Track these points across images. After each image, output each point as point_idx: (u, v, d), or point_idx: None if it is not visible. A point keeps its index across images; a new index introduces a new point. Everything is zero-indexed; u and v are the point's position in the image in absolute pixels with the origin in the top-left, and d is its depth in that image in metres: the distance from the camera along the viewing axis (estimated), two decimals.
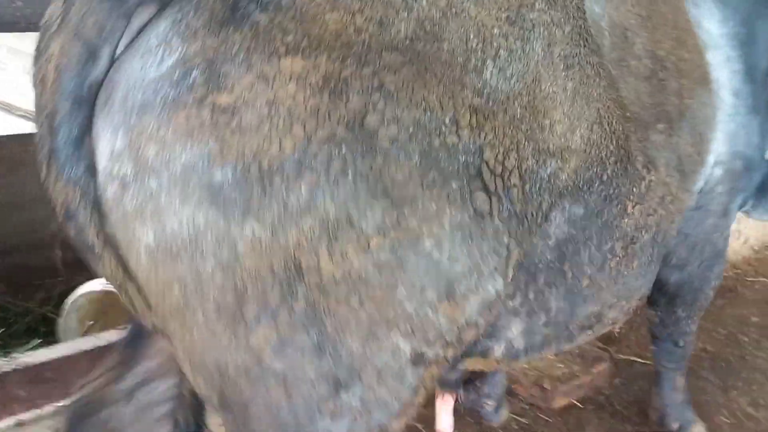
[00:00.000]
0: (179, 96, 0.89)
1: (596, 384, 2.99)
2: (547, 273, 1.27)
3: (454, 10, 1.01)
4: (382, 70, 0.94)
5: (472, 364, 1.49)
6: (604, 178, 1.24)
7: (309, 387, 1.02)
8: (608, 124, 1.23)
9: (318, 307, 0.97)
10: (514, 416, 2.81)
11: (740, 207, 2.16)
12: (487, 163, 1.02)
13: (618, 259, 1.41)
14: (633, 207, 1.37)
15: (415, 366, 1.08)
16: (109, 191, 0.96)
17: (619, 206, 1.32)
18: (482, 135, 1.01)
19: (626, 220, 1.36)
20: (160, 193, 0.91)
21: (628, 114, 1.32)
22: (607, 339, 3.32)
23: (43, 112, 0.94)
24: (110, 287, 2.59)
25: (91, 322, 2.77)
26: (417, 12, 0.97)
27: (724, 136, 1.84)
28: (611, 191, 1.27)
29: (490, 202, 1.03)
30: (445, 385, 2.32)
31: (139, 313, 1.09)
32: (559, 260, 1.27)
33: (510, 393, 2.91)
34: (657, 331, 2.45)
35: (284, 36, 0.91)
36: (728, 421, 2.89)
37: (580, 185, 1.20)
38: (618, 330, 3.43)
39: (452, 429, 2.45)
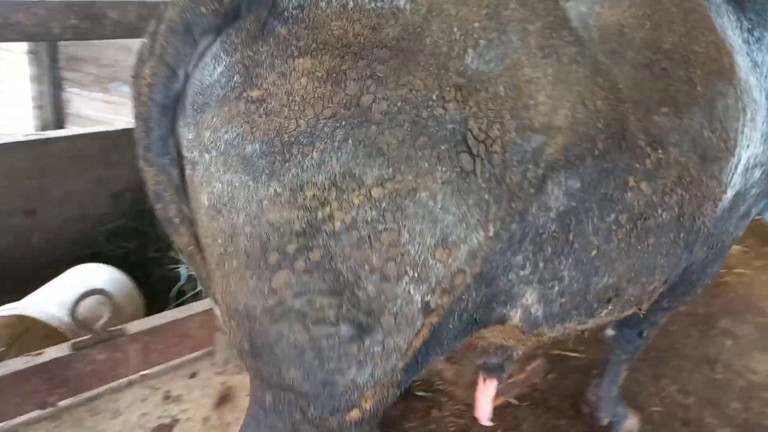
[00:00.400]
0: (225, 94, 1.19)
1: (531, 381, 3.00)
2: (553, 243, 1.40)
3: (434, 12, 1.25)
4: (374, 62, 1.18)
5: (493, 334, 1.63)
6: (596, 153, 1.37)
7: (330, 329, 1.20)
8: (592, 105, 1.36)
9: (333, 254, 1.16)
10: (452, 418, 2.79)
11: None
12: (471, 131, 1.21)
13: (625, 231, 1.50)
14: (637, 182, 1.48)
15: (423, 314, 1.26)
16: (187, 173, 1.26)
17: (618, 180, 1.44)
18: (467, 108, 1.21)
19: (630, 194, 1.47)
20: (211, 164, 1.19)
21: (622, 96, 1.45)
22: None
23: (139, 119, 1.24)
24: (22, 311, 2.50)
25: (3, 348, 2.62)
26: (402, 19, 1.23)
27: (762, 137, 1.87)
28: (606, 165, 1.40)
29: (474, 163, 1.22)
30: (488, 371, 2.31)
31: (204, 282, 1.35)
32: (564, 231, 1.40)
33: (447, 395, 2.89)
34: (627, 319, 2.36)
35: (298, 42, 1.18)
36: (660, 410, 2.95)
37: (572, 160, 1.34)
38: None
39: (490, 416, 2.45)
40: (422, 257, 1.20)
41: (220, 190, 1.19)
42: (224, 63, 1.20)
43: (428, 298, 1.24)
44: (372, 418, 1.36)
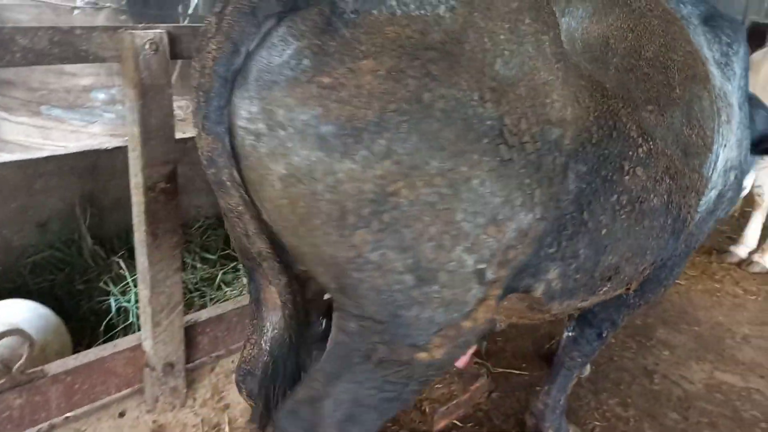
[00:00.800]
0: (296, 76, 1.32)
1: (475, 401, 2.99)
2: (572, 223, 1.63)
3: (469, 23, 1.43)
4: (427, 62, 1.36)
5: (515, 305, 1.85)
6: (593, 141, 1.61)
7: (398, 276, 1.45)
8: (582, 102, 1.59)
9: (399, 221, 1.39)
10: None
11: None
12: (506, 126, 1.42)
13: (626, 211, 1.73)
14: (632, 167, 1.72)
15: (479, 282, 1.50)
16: (247, 142, 1.38)
17: (614, 164, 1.67)
18: (500, 107, 1.42)
19: (627, 178, 1.71)
20: (287, 139, 1.34)
21: (609, 94, 1.68)
22: (485, 352, 3.34)
23: (201, 90, 1.36)
24: None
25: None
26: (444, 26, 1.40)
27: (736, 141, 2.11)
28: (602, 152, 1.64)
29: (511, 153, 1.43)
30: None
31: (250, 237, 1.52)
32: (579, 211, 1.63)
33: (390, 420, 2.84)
34: (590, 317, 2.49)
35: (359, 45, 1.34)
36: (600, 424, 2.97)
37: (578, 147, 1.57)
38: (496, 342, 3.48)
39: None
40: (475, 232, 1.44)
41: (299, 162, 1.35)
42: (293, 46, 1.34)
43: (483, 266, 1.49)
44: (440, 368, 1.66)
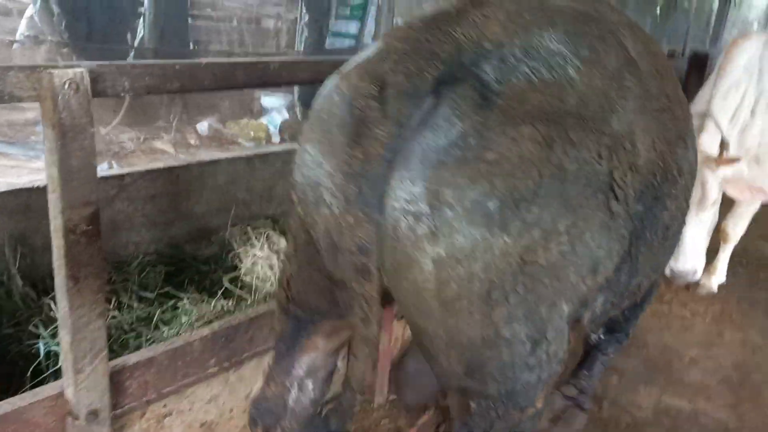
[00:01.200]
0: (464, 155, 1.33)
1: None
2: (624, 258, 1.66)
3: (592, 83, 1.50)
4: (568, 128, 1.41)
5: None
6: (655, 184, 1.69)
7: (521, 346, 1.48)
8: (652, 148, 1.66)
9: (528, 289, 1.41)
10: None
11: None
12: (615, 180, 1.49)
13: (659, 239, 1.81)
14: (672, 202, 1.80)
15: (571, 327, 1.60)
16: (402, 224, 1.37)
17: (662, 203, 1.75)
18: (611, 163, 1.48)
19: (666, 213, 1.79)
20: (454, 219, 1.33)
21: (661, 137, 1.74)
22: None
23: (364, 176, 1.34)
24: None
25: None
26: (576, 88, 1.46)
27: None
28: (657, 192, 1.71)
29: (619, 206, 1.50)
30: None
31: (369, 322, 1.52)
32: (630, 246, 1.66)
33: None
34: (616, 322, 2.72)
35: (514, 111, 1.37)
36: None
37: (643, 189, 1.63)
38: None
39: None
40: (576, 282, 1.49)
41: (462, 242, 1.35)
42: (459, 127, 1.34)
43: (573, 310, 1.55)
44: (540, 414, 1.72)
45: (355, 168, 1.35)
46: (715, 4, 16.28)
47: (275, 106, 7.96)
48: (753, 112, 4.03)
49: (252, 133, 7.47)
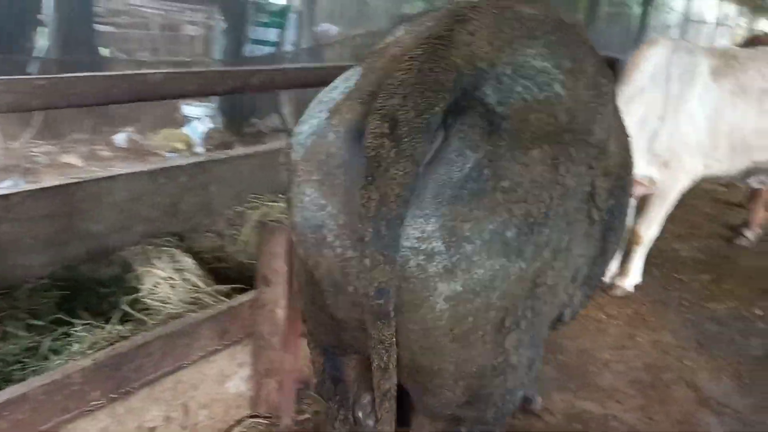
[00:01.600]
0: (480, 187, 1.30)
1: None
2: (598, 254, 1.71)
3: (577, 100, 1.50)
4: (568, 146, 1.42)
5: None
6: (621, 178, 1.72)
7: (522, 370, 1.50)
8: (621, 145, 1.73)
9: (535, 312, 1.45)
10: None
11: None
12: (595, 189, 1.51)
13: (622, 221, 1.82)
14: (630, 188, 1.86)
15: (551, 326, 1.70)
16: (412, 263, 1.33)
17: (626, 191, 1.78)
18: (593, 171, 1.50)
19: (627, 198, 1.84)
20: (473, 253, 1.31)
21: (623, 129, 1.85)
22: None
23: (383, 218, 1.27)
24: None
25: None
26: (564, 104, 1.46)
27: None
28: (624, 183, 1.74)
29: (598, 213, 1.53)
30: None
31: (388, 371, 1.42)
32: (603, 242, 1.69)
33: None
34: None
35: (521, 134, 1.35)
36: None
37: (612, 187, 1.65)
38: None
39: None
40: (564, 293, 1.54)
41: (481, 274, 1.33)
42: (472, 159, 1.31)
43: (556, 317, 1.62)
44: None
45: (371, 210, 1.28)
46: (636, 9, 16.90)
47: (197, 115, 7.75)
48: (662, 119, 4.13)
49: (173, 143, 7.24)
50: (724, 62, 4.23)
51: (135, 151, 7.21)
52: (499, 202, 1.31)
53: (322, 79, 3.62)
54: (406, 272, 1.35)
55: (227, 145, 7.14)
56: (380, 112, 1.30)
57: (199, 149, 7.46)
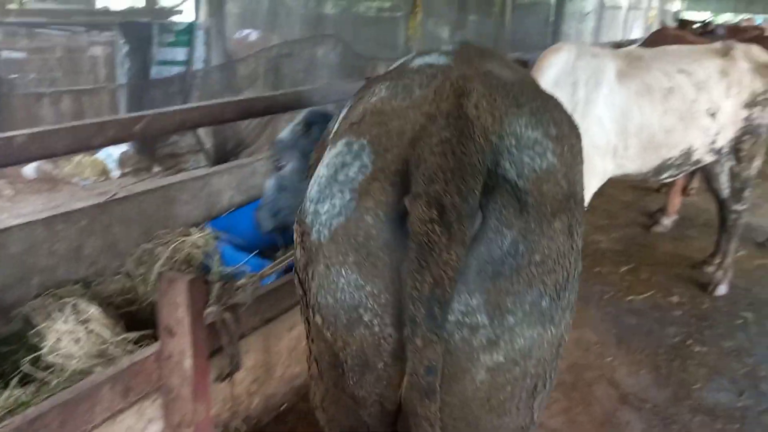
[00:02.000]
0: (518, 263, 1.39)
1: None
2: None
3: (565, 164, 1.55)
4: (574, 210, 1.51)
5: None
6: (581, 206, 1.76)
7: (536, 421, 1.61)
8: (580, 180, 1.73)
9: (556, 370, 1.56)
10: None
11: None
12: (576, 240, 1.52)
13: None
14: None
15: None
16: (457, 337, 1.40)
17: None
18: (580, 227, 1.54)
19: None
20: (515, 325, 1.41)
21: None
22: None
23: (437, 300, 1.32)
24: None
25: None
26: (559, 172, 1.52)
27: None
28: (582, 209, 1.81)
29: (577, 222, 1.53)
30: None
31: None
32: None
33: None
34: None
35: (543, 208, 1.43)
36: None
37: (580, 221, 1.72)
38: None
39: None
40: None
41: (522, 344, 1.41)
42: (509, 237, 1.39)
43: None
44: None
45: (425, 292, 1.33)
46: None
47: None
48: None
49: (88, 171, 6.96)
50: (629, 64, 4.30)
51: (47, 182, 6.89)
52: (535, 275, 1.41)
53: (214, 116, 3.53)
54: (450, 346, 1.41)
55: (144, 169, 6.91)
56: (424, 198, 1.34)
57: (115, 174, 7.20)
